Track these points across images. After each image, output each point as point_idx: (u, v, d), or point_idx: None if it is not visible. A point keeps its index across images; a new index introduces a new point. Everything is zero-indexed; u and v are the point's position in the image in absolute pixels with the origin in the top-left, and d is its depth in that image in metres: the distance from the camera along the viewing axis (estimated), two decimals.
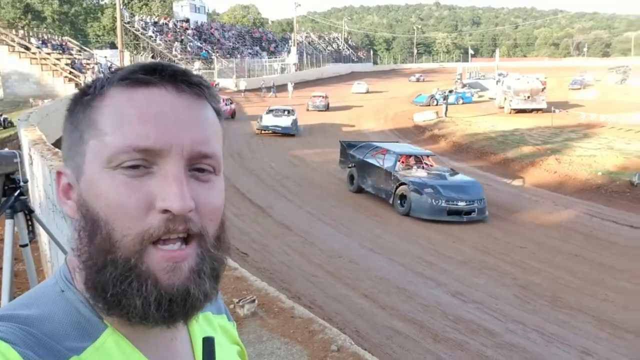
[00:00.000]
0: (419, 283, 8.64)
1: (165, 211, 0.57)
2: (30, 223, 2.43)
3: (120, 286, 0.58)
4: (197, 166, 0.61)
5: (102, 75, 0.65)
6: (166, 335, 0.66)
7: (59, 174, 0.66)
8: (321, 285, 8.22)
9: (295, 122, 24.97)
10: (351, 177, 15.09)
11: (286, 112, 25.83)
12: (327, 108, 33.43)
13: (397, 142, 19.30)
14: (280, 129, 24.16)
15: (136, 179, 0.58)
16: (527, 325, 7.28)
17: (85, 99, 0.63)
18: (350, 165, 15.24)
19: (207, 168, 0.62)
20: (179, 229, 0.58)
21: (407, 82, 57.73)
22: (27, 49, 30.73)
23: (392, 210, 13.03)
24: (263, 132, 24.43)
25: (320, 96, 34.62)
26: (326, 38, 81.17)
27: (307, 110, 32.30)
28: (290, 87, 43.24)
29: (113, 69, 0.66)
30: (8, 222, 2.36)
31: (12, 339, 0.53)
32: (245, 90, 40.47)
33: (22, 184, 2.36)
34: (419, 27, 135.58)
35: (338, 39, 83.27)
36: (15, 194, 2.33)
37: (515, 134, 23.42)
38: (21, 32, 36.51)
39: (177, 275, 0.59)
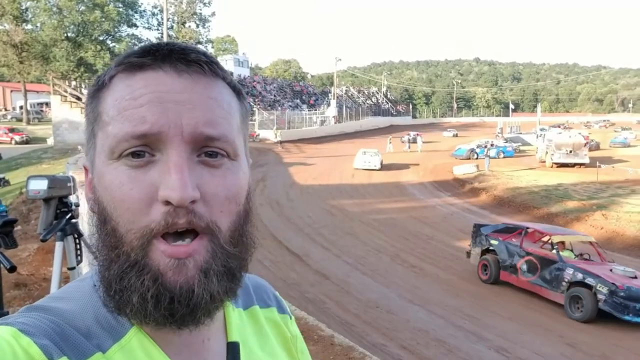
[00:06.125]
0: (460, 336, 8.30)
1: (167, 202, 0.53)
2: (79, 247, 2.48)
3: (121, 283, 0.54)
4: (208, 150, 0.57)
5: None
6: (198, 336, 0.62)
7: (85, 170, 0.64)
8: (358, 335, 8.00)
9: None
10: None
11: None
12: None
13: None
14: None
15: (139, 169, 0.55)
16: None
17: (92, 91, 0.61)
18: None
19: (219, 152, 0.57)
20: (180, 223, 0.53)
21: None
22: (79, 99, 32.37)
23: (430, 262, 12.75)
24: None
25: None
26: (365, 92, 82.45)
27: None
28: (420, 140, 39.28)
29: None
30: (58, 244, 2.40)
31: (34, 331, 0.51)
32: (282, 142, 38.29)
33: (73, 207, 2.43)
34: (459, 81, 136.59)
35: (377, 93, 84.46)
36: (67, 217, 2.39)
37: (559, 188, 22.80)
38: (73, 83, 38.72)
39: (182, 272, 0.54)
